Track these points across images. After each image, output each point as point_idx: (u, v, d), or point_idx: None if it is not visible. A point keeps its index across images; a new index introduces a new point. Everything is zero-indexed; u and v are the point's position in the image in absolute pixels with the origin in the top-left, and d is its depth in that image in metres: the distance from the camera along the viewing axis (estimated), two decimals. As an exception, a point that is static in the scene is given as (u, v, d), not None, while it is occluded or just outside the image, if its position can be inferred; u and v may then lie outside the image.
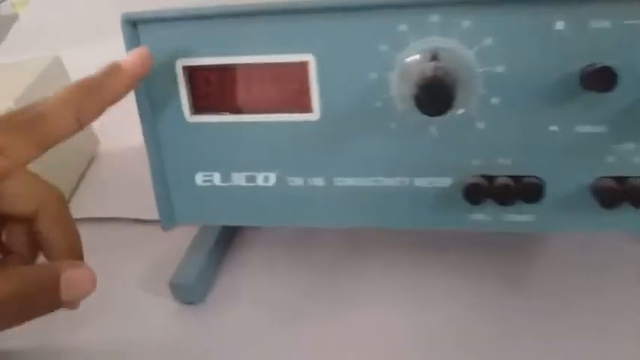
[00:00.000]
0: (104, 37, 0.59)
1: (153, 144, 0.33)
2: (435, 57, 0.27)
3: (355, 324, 0.32)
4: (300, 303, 0.34)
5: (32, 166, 0.26)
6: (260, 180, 0.33)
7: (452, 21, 0.27)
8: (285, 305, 0.34)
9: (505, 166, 0.30)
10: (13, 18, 0.81)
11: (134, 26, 0.31)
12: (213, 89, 0.31)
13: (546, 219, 0.30)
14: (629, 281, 0.33)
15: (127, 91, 0.28)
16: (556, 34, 0.27)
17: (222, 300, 0.35)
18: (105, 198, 0.46)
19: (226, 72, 0.31)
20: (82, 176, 0.49)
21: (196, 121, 0.32)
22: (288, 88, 0.31)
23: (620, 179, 0.28)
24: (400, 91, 0.29)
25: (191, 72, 0.31)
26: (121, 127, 0.44)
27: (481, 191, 0.29)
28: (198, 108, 0.32)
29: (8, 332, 0.24)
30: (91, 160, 0.51)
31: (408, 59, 0.28)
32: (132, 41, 0.31)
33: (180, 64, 0.31)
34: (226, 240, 0.39)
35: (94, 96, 0.27)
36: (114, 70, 0.28)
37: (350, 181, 0.32)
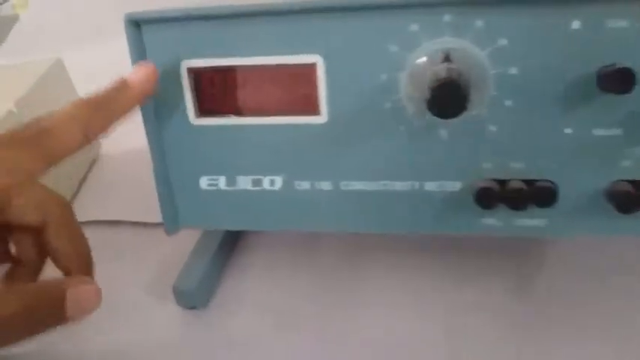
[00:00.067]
0: (105, 38, 0.59)
1: (157, 147, 0.33)
2: (447, 58, 0.27)
3: (359, 329, 0.32)
4: (303, 308, 0.34)
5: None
6: (266, 184, 0.32)
7: (464, 21, 0.27)
8: (288, 310, 0.34)
9: (517, 169, 0.29)
10: (14, 19, 0.81)
11: (137, 27, 0.30)
12: (218, 91, 0.31)
13: (560, 224, 0.29)
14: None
15: (133, 108, 0.28)
16: (572, 34, 0.26)
17: (225, 305, 0.35)
18: (107, 201, 0.45)
19: (232, 74, 0.30)
20: (83, 179, 0.49)
21: (201, 123, 0.32)
22: (295, 90, 0.30)
23: (636, 183, 0.28)
24: (411, 92, 0.28)
25: (196, 74, 0.31)
26: (123, 129, 0.44)
27: (493, 195, 0.29)
28: (203, 110, 0.31)
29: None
30: (93, 163, 0.51)
31: (420, 60, 0.27)
32: (135, 42, 0.30)
33: (185, 65, 0.30)
34: (230, 244, 0.39)
35: (101, 112, 0.27)
36: (121, 86, 0.28)
37: (358, 185, 0.31)
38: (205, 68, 0.30)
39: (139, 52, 0.30)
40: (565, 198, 0.29)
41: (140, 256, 0.39)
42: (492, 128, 0.28)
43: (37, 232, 0.26)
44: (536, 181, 0.29)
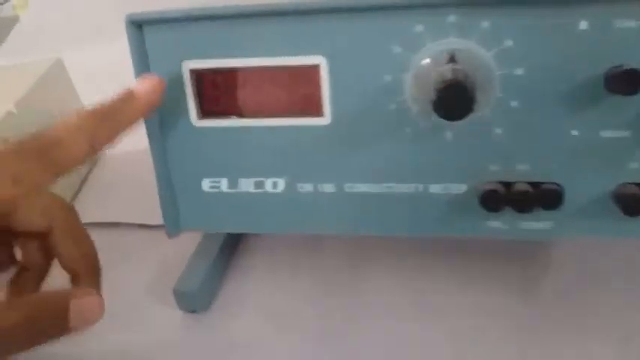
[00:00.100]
0: (105, 39, 0.59)
1: (158, 149, 0.32)
2: (452, 59, 0.26)
3: (361, 331, 0.32)
4: (305, 310, 0.34)
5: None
6: (268, 186, 0.32)
7: (470, 22, 0.26)
8: (290, 313, 0.34)
9: (523, 171, 0.29)
10: (14, 20, 0.80)
11: (139, 28, 0.30)
12: (220, 92, 0.31)
13: (565, 226, 0.29)
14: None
15: (139, 119, 0.28)
16: (579, 35, 0.26)
17: (226, 308, 0.35)
18: (108, 202, 0.45)
19: (234, 75, 0.30)
20: (84, 180, 0.49)
21: (203, 125, 0.31)
22: (298, 92, 0.30)
23: (643, 186, 0.27)
24: (415, 94, 0.28)
25: (198, 75, 0.30)
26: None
27: (499, 198, 0.28)
28: (205, 112, 0.31)
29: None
30: (94, 163, 0.51)
31: (424, 61, 0.27)
32: (136, 43, 0.30)
33: (187, 66, 0.30)
34: (231, 246, 0.38)
35: (107, 123, 0.27)
36: (128, 97, 0.28)
37: (361, 188, 0.31)
38: (207, 69, 0.30)
39: (140, 53, 0.30)
40: (571, 200, 0.28)
41: (141, 258, 0.39)
42: (498, 130, 0.28)
43: (43, 237, 0.26)
44: (542, 183, 0.28)
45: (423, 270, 0.35)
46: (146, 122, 0.31)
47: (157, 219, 0.34)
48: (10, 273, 0.27)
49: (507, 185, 0.29)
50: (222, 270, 0.37)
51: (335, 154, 0.30)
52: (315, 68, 0.29)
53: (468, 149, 0.29)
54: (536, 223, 0.29)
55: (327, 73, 0.29)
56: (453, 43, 0.27)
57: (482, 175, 0.29)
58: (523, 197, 0.28)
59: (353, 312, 0.33)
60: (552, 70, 0.26)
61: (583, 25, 0.25)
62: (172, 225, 0.34)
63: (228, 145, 0.31)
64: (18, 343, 0.23)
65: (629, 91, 0.25)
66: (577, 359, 0.29)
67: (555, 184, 0.28)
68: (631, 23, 0.25)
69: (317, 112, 0.30)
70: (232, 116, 0.31)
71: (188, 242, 0.36)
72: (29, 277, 0.27)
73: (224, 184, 0.32)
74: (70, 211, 0.26)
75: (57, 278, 0.28)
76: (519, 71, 0.27)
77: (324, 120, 0.30)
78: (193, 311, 0.34)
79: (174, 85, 0.30)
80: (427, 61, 0.27)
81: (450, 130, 0.28)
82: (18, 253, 0.27)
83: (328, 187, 0.31)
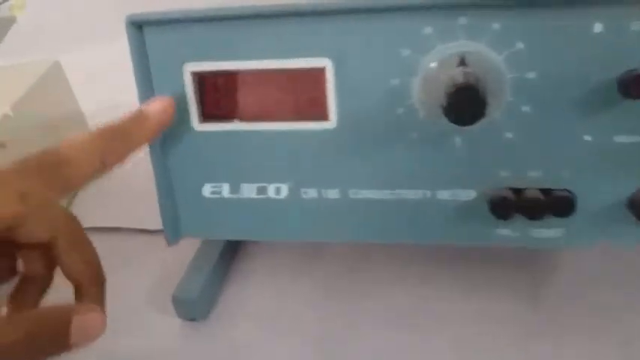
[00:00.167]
0: (104, 40, 0.58)
1: (158, 153, 0.32)
2: (462, 62, 0.26)
3: (362, 338, 0.31)
4: (305, 316, 0.33)
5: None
6: (271, 192, 0.31)
7: (480, 24, 0.26)
8: (290, 320, 0.33)
9: (534, 178, 0.28)
10: (11, 21, 0.80)
11: (139, 29, 0.29)
12: (222, 96, 0.30)
13: (578, 235, 0.29)
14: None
15: (150, 139, 0.29)
16: (593, 38, 0.25)
17: (226, 316, 0.34)
18: (105, 206, 0.44)
19: (237, 77, 0.29)
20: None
21: (205, 129, 0.31)
22: (303, 95, 0.29)
23: (659, 192, 0.27)
24: (424, 98, 0.27)
25: (200, 77, 0.30)
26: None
27: (509, 205, 0.28)
28: (206, 115, 0.31)
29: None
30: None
31: (433, 64, 0.26)
32: (137, 45, 0.29)
33: (188, 69, 0.29)
34: (231, 252, 0.38)
35: (117, 143, 0.27)
36: (140, 117, 0.28)
37: (367, 194, 0.30)
38: (209, 72, 0.29)
39: (140, 55, 0.29)
40: (584, 208, 0.28)
41: (140, 263, 0.38)
42: (508, 135, 0.27)
43: (46, 248, 0.25)
44: (554, 190, 0.28)
45: (425, 275, 0.35)
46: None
47: (155, 224, 0.34)
48: (11, 284, 0.27)
49: (518, 192, 0.28)
50: (221, 276, 0.36)
51: (340, 159, 0.30)
52: (320, 71, 0.28)
53: (477, 154, 0.28)
54: (547, 231, 0.29)
55: (333, 75, 0.28)
56: (463, 45, 0.26)
57: (492, 181, 0.28)
58: (534, 204, 0.27)
59: (354, 318, 0.33)
60: (565, 73, 0.26)
61: (597, 27, 0.25)
62: (172, 232, 0.33)
63: (230, 149, 0.31)
64: (17, 359, 0.22)
65: (645, 95, 0.24)
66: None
67: (567, 190, 0.28)
68: (647, 26, 0.24)
69: (322, 116, 0.29)
70: (234, 120, 0.30)
71: (188, 247, 0.36)
72: (31, 289, 0.26)
73: (225, 190, 0.32)
74: (75, 223, 0.26)
75: (59, 287, 0.27)
76: (531, 75, 0.26)
77: (330, 124, 0.29)
78: (193, 319, 0.34)
79: (174, 88, 0.30)
80: (436, 64, 0.26)
81: (459, 135, 0.28)
82: (20, 265, 0.27)
83: (333, 193, 0.31)
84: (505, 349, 0.30)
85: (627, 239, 0.28)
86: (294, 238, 0.33)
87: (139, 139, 0.28)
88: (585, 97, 0.26)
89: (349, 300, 0.34)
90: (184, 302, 0.33)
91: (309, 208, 0.31)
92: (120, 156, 0.27)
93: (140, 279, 0.37)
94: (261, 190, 0.31)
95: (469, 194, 0.29)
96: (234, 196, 0.32)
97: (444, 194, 0.29)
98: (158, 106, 0.29)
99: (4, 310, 0.26)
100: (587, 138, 0.27)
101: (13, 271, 0.27)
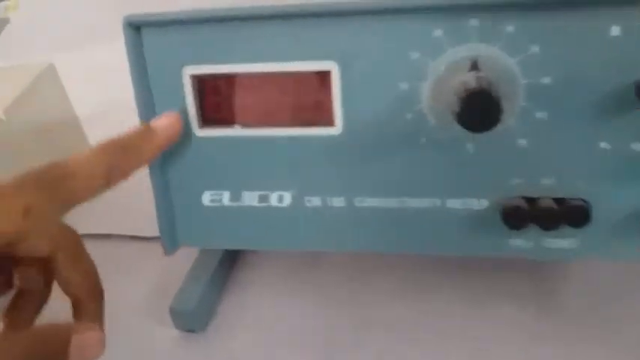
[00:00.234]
0: (101, 42, 0.58)
1: (156, 159, 0.30)
2: (474, 66, 0.25)
3: (362, 349, 0.31)
4: (304, 328, 0.32)
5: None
6: (274, 200, 0.30)
7: (493, 26, 0.25)
8: (289, 331, 0.33)
9: (548, 186, 0.27)
10: (4, 22, 0.79)
11: (137, 30, 0.28)
12: (223, 100, 0.29)
13: (593, 246, 0.28)
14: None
15: (156, 154, 0.29)
16: (610, 41, 0.24)
17: (225, 327, 0.33)
18: (98, 212, 0.43)
19: (239, 81, 0.29)
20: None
21: (204, 134, 0.30)
22: (307, 99, 0.28)
23: (678, 202, 0.26)
24: (433, 103, 0.26)
25: (199, 81, 0.29)
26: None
27: (523, 215, 0.27)
28: (207, 120, 0.30)
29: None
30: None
31: (444, 68, 0.25)
32: (134, 47, 0.28)
33: (188, 72, 0.29)
34: (230, 261, 0.37)
35: (125, 158, 0.27)
36: (147, 133, 0.28)
37: (374, 202, 0.29)
38: (209, 75, 0.29)
39: (138, 58, 0.29)
40: (599, 218, 0.27)
41: (135, 272, 0.38)
42: (522, 142, 0.27)
43: (45, 262, 0.25)
44: (568, 199, 0.27)
45: (427, 284, 0.34)
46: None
47: (152, 230, 0.33)
48: (7, 297, 0.27)
49: (531, 201, 0.27)
50: (220, 286, 0.36)
51: (346, 166, 0.29)
52: (326, 74, 0.27)
53: (489, 162, 0.27)
54: (561, 241, 0.28)
55: (339, 79, 0.27)
56: (475, 48, 0.25)
57: (504, 189, 0.28)
58: (548, 214, 0.27)
59: (354, 328, 0.32)
60: (581, 78, 0.25)
61: (615, 30, 0.24)
62: (170, 241, 0.32)
63: (231, 156, 0.30)
64: None
65: (666, 101, 0.23)
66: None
67: (582, 200, 0.27)
68: (668, 29, 0.23)
69: (327, 121, 0.28)
70: (236, 125, 0.30)
71: (185, 255, 0.35)
72: (27, 304, 0.26)
73: (226, 198, 0.31)
74: (75, 237, 0.26)
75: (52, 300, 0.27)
76: (546, 80, 0.25)
77: (335, 130, 0.28)
78: (191, 330, 0.33)
79: (173, 91, 0.29)
80: (447, 68, 0.25)
81: (471, 142, 0.27)
82: (16, 278, 0.26)
83: (338, 202, 0.30)
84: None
85: (644, 251, 0.27)
86: (297, 248, 0.32)
87: (146, 155, 0.28)
88: (602, 103, 0.25)
89: (349, 310, 0.33)
90: (182, 313, 0.33)
91: (313, 217, 0.30)
92: (125, 171, 0.27)
93: (136, 288, 0.36)
94: (263, 199, 0.31)
95: (481, 203, 0.28)
96: (235, 204, 0.31)
97: (454, 203, 0.28)
98: (165, 120, 0.29)
99: (0, 326, 0.26)
100: (604, 145, 0.26)
101: (9, 285, 0.26)
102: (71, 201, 0.25)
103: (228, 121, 0.30)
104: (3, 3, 0.87)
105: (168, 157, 0.31)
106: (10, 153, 0.39)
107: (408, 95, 0.27)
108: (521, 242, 0.28)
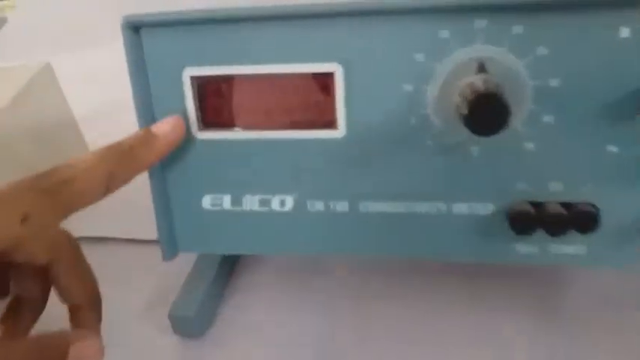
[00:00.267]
0: (99, 42, 0.57)
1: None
2: (482, 68, 0.24)
3: (364, 354, 0.30)
4: (306, 334, 0.32)
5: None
6: (275, 204, 0.30)
7: (500, 27, 0.24)
8: (290, 337, 0.32)
9: (556, 191, 0.27)
10: (2, 21, 0.78)
11: (136, 31, 0.28)
12: (224, 102, 0.29)
13: (601, 252, 0.27)
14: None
15: (158, 160, 0.28)
16: (620, 43, 0.24)
17: (225, 332, 0.33)
18: (97, 215, 0.42)
19: (240, 83, 0.28)
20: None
21: (205, 137, 0.29)
22: (310, 102, 0.28)
23: (688, 207, 0.25)
24: (439, 106, 0.26)
25: (200, 83, 0.28)
26: (118, 136, 0.42)
27: (530, 220, 0.26)
28: (207, 123, 0.29)
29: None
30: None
31: (450, 70, 0.25)
32: (133, 48, 0.28)
33: (188, 73, 0.28)
34: (229, 265, 0.37)
35: (125, 164, 0.26)
36: (148, 138, 0.27)
37: (378, 207, 0.29)
38: (210, 77, 0.28)
39: (137, 59, 0.28)
40: (608, 224, 0.26)
41: (133, 277, 0.37)
42: (529, 145, 0.26)
43: (43, 270, 0.25)
44: (576, 204, 0.26)
45: (428, 288, 0.34)
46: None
47: (150, 233, 0.32)
48: (3, 304, 0.26)
49: (538, 206, 0.27)
50: (220, 291, 0.35)
51: (349, 170, 0.28)
52: (329, 76, 0.27)
53: (495, 166, 0.27)
54: (569, 247, 0.27)
55: (343, 81, 0.27)
56: (482, 50, 0.25)
57: (510, 194, 0.27)
58: (556, 219, 0.26)
59: (355, 333, 0.32)
60: (590, 80, 0.25)
61: (624, 32, 0.24)
62: (169, 246, 0.32)
63: (232, 159, 0.30)
64: None
65: (677, 104, 0.23)
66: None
67: (591, 204, 0.26)
68: (679, 30, 0.23)
69: (330, 124, 0.28)
70: (237, 128, 0.29)
71: (183, 258, 0.34)
72: (24, 312, 0.26)
73: (226, 202, 0.30)
74: (74, 245, 0.26)
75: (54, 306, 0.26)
76: (554, 82, 0.25)
77: (338, 133, 0.28)
78: (191, 336, 0.33)
79: (173, 93, 0.29)
80: (453, 70, 0.25)
81: (477, 145, 0.27)
82: (13, 285, 0.26)
83: (341, 206, 0.29)
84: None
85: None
86: (299, 252, 0.31)
87: (147, 160, 0.27)
88: (610, 106, 0.25)
89: (350, 314, 0.33)
90: (182, 319, 0.32)
91: (315, 222, 0.30)
92: (126, 177, 0.26)
93: (134, 293, 0.36)
94: (265, 203, 0.30)
95: (487, 208, 0.27)
96: (236, 208, 0.30)
97: (460, 208, 0.28)
98: (167, 125, 0.28)
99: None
100: (612, 149, 0.25)
101: (5, 291, 0.26)
102: (70, 208, 0.24)
103: (229, 123, 0.29)
104: (1, 3, 0.87)
105: (167, 160, 0.30)
106: (6, 154, 0.38)
107: (413, 98, 0.26)
108: (528, 248, 0.28)
